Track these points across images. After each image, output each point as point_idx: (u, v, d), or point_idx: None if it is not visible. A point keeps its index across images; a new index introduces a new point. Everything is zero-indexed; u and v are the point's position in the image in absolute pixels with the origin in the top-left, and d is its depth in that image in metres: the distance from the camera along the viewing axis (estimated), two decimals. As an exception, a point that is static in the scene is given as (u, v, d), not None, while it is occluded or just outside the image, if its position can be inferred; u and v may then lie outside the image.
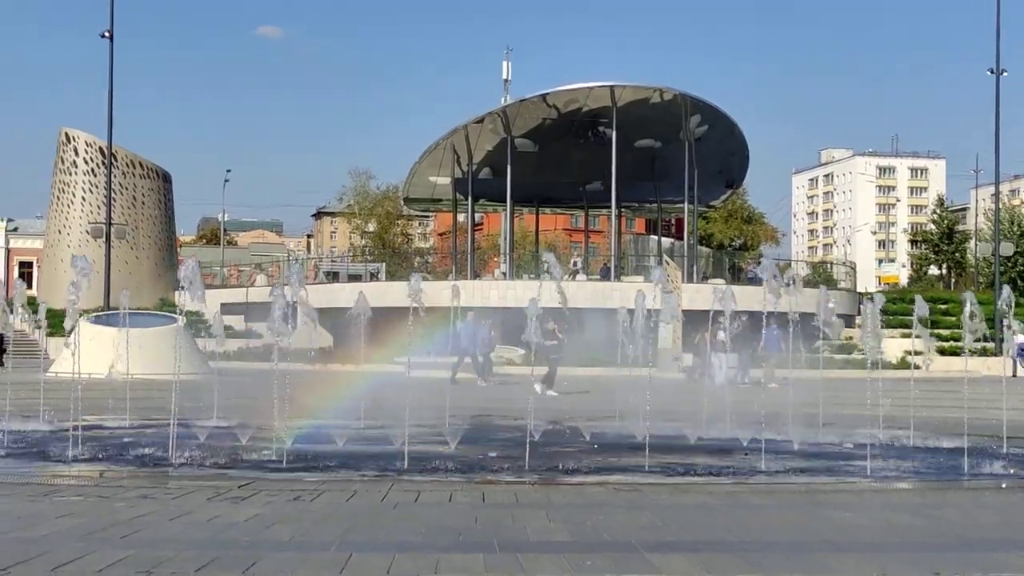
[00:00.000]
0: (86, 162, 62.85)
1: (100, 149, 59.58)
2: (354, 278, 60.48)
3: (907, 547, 7.78)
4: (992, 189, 62.28)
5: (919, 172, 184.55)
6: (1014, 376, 43.48)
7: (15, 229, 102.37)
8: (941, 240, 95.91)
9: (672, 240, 69.66)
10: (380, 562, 6.78)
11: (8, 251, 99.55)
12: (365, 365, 45.10)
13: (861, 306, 57.60)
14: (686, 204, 54.44)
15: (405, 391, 14.50)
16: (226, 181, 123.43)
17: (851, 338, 49.94)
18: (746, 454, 13.41)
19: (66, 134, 64.07)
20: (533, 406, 16.07)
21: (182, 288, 14.94)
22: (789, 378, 17.31)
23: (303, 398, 16.03)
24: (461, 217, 64.81)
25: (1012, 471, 12.42)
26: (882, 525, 8.57)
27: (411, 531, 8.04)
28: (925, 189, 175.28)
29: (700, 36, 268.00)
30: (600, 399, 21.64)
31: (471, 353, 34.06)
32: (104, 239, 50.08)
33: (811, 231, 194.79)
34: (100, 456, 13.16)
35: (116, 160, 57.10)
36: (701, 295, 48.43)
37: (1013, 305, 16.09)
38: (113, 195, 54.40)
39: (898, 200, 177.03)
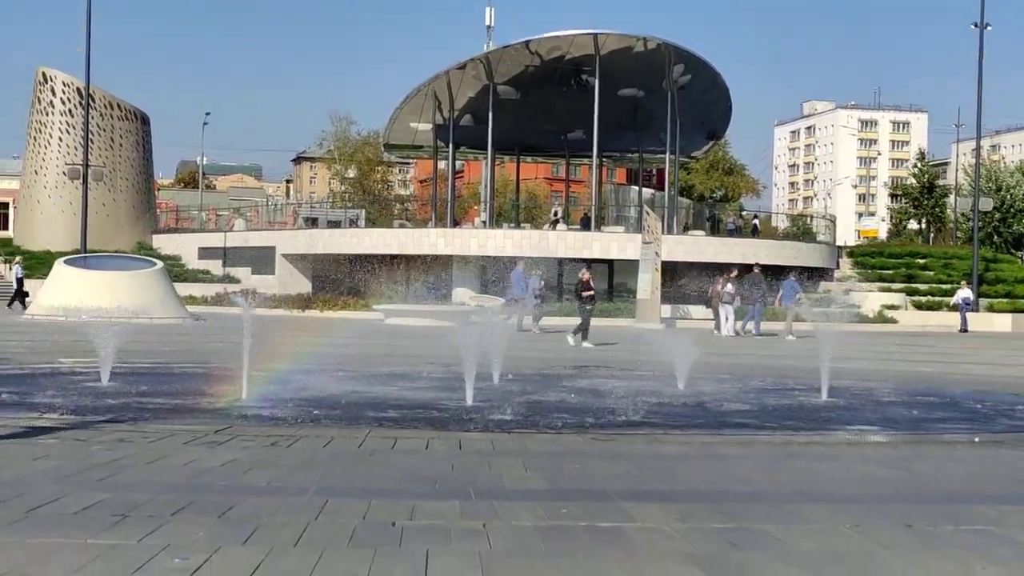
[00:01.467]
0: (63, 102, 62.14)
1: (78, 89, 58.86)
2: (333, 224, 60.24)
3: (880, 499, 7.84)
4: (973, 144, 62.42)
5: (901, 126, 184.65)
6: (963, 331, 43.73)
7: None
8: (921, 194, 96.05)
9: (653, 191, 69.54)
10: (356, 508, 6.80)
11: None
12: (342, 312, 45.10)
13: (840, 260, 57.85)
14: (667, 155, 54.31)
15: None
16: (205, 124, 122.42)
17: (829, 291, 50.23)
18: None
19: (43, 74, 63.29)
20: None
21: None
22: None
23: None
24: (442, 164, 64.50)
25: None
26: (856, 477, 8.63)
27: (387, 478, 8.06)
28: (907, 143, 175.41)
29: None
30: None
31: (521, 299, 33.85)
32: (81, 181, 49.69)
33: (792, 183, 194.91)
34: (77, 400, 13.13)
35: (94, 101, 56.50)
36: (682, 246, 48.53)
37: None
38: (91, 136, 53.88)
39: (879, 154, 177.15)
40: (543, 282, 37.68)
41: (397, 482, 7.88)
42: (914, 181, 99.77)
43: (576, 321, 28.38)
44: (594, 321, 33.96)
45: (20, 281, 43.54)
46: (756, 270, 37.60)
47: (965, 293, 47.01)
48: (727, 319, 35.29)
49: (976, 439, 11.22)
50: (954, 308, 46.94)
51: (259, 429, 10.80)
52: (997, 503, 7.70)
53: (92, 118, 54.73)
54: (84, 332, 18.30)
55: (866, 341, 26.27)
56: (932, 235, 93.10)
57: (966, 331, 43.44)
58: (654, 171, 76.30)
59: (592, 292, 29.26)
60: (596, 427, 11.48)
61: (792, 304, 35.42)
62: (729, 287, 35.59)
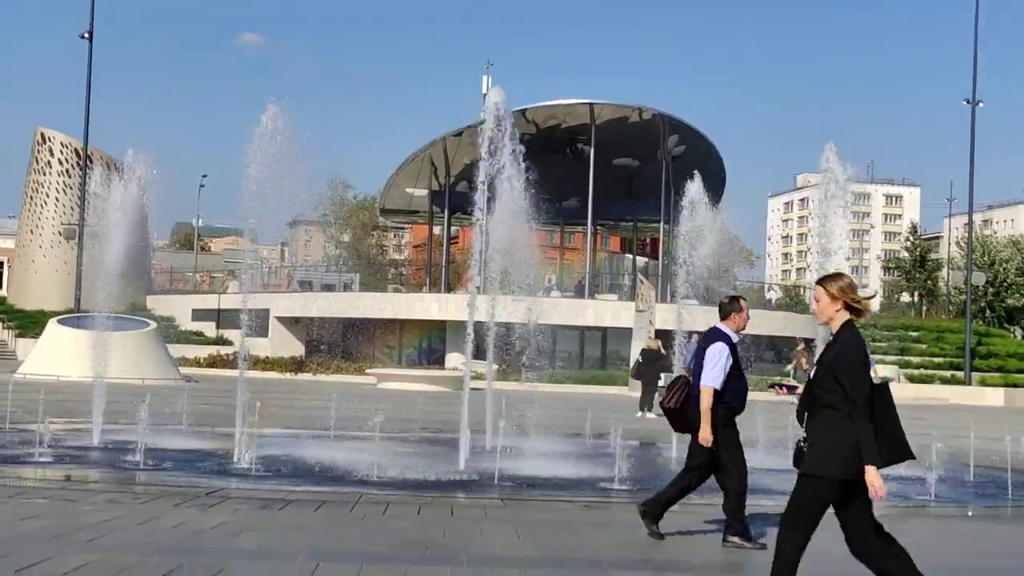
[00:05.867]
0: (61, 163, 62.37)
1: (76, 150, 59.12)
2: (328, 288, 60.28)
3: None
4: (965, 218, 62.83)
5: (894, 199, 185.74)
6: None
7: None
8: (913, 267, 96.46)
9: (647, 259, 69.79)
10: (347, 572, 6.76)
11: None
12: (335, 375, 44.89)
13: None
14: (662, 224, 54.57)
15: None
16: (201, 187, 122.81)
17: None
18: None
19: (42, 134, 63.59)
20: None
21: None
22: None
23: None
24: (437, 230, 64.77)
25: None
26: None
27: (379, 543, 8.01)
28: (899, 216, 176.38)
29: (679, 60, 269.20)
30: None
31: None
32: (76, 241, 49.78)
33: (785, 254, 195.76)
34: (67, 459, 13.06)
35: (92, 161, 56.83)
36: (675, 315, 48.53)
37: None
38: (87, 197, 54.12)
39: (872, 227, 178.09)
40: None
41: (389, 547, 7.84)
42: (906, 254, 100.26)
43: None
44: (587, 388, 33.90)
45: None
46: (801, 346, 39.14)
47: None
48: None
49: (969, 513, 11.19)
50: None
51: (250, 491, 10.75)
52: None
53: (89, 178, 55.02)
54: (76, 392, 18.26)
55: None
56: (924, 308, 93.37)
57: None
58: (648, 240, 76.62)
59: (663, 360, 28.52)
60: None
61: None
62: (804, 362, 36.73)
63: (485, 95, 75.23)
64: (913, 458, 5.93)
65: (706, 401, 8.40)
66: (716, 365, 8.45)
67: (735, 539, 8.38)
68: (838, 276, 5.92)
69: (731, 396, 8.53)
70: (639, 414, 26.19)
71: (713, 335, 8.72)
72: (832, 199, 17.86)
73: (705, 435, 8.35)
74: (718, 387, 8.41)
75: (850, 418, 5.56)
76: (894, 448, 5.75)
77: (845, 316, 5.78)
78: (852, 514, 5.71)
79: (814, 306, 5.95)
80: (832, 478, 5.57)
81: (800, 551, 5.66)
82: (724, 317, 8.86)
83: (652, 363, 28.40)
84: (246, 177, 14.91)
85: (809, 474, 5.61)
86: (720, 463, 8.51)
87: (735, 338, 8.74)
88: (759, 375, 42.23)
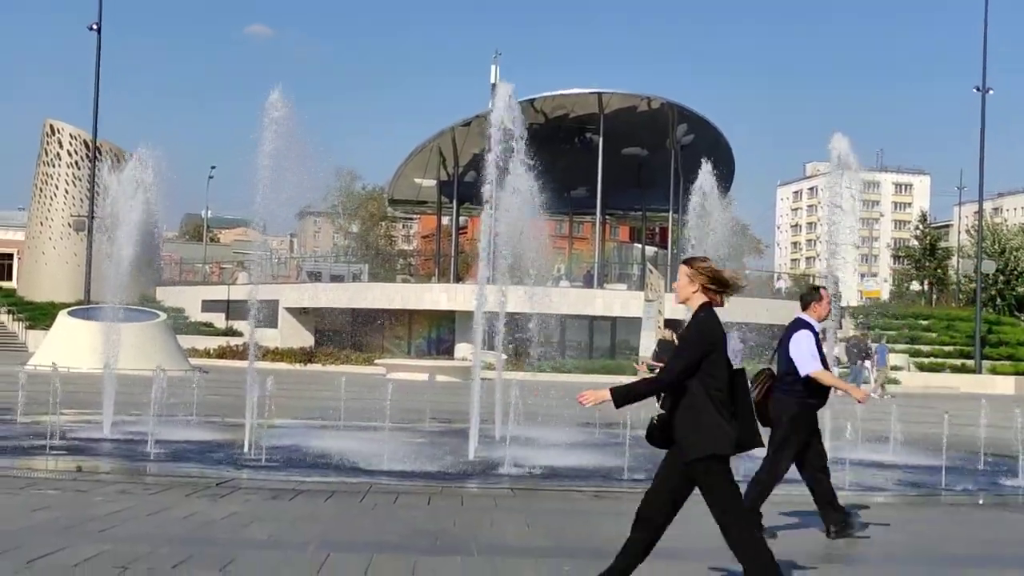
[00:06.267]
0: (70, 154, 62.45)
1: (85, 142, 59.15)
2: (336, 279, 60.30)
3: (886, 559, 7.79)
4: (975, 207, 62.67)
5: (903, 187, 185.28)
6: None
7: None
8: (923, 256, 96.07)
9: (656, 249, 69.68)
10: (358, 562, 6.76)
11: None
12: (344, 366, 44.95)
13: (843, 320, 57.77)
14: (671, 213, 54.47)
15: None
16: (210, 178, 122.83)
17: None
18: None
19: (51, 126, 63.66)
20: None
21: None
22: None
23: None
24: (446, 220, 64.71)
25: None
26: (860, 539, 8.57)
27: (389, 532, 8.01)
28: (909, 204, 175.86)
29: (687, 49, 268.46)
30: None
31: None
32: (86, 232, 49.85)
33: (795, 243, 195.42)
34: (78, 450, 13.09)
35: (100, 153, 56.85)
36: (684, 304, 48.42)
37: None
38: (96, 188, 54.19)
39: (882, 215, 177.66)
40: (743, 342, 39.60)
41: (399, 537, 7.84)
42: (916, 243, 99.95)
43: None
44: (597, 378, 33.70)
45: None
46: (860, 334, 40.47)
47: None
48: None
49: (980, 501, 11.16)
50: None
51: (261, 482, 10.76)
52: (1001, 567, 7.66)
53: (98, 170, 55.08)
54: (87, 383, 18.30)
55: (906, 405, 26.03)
56: (934, 297, 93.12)
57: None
58: (657, 229, 76.51)
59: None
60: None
61: (883, 366, 39.44)
62: (836, 350, 38.26)
63: (494, 85, 75.18)
64: (762, 446, 6.01)
65: (827, 378, 8.42)
66: (808, 351, 8.39)
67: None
68: (700, 259, 6.02)
69: (808, 389, 8.43)
70: (658, 403, 26.04)
71: (796, 325, 8.64)
72: (841, 189, 17.76)
73: (858, 394, 8.62)
74: (821, 367, 8.37)
75: (708, 397, 5.64)
76: (746, 434, 5.81)
77: (702, 299, 5.87)
78: (670, 484, 5.78)
79: (674, 285, 6.02)
80: (718, 453, 5.63)
81: (759, 524, 5.68)
82: (805, 307, 8.81)
83: (668, 353, 28.50)
84: (255, 167, 14.90)
85: (697, 459, 5.66)
86: (773, 449, 8.34)
87: (817, 327, 8.70)
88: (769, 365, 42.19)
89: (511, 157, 15.54)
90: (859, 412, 14.46)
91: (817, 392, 8.48)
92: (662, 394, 5.84)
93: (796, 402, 8.35)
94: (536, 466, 12.62)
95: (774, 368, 8.65)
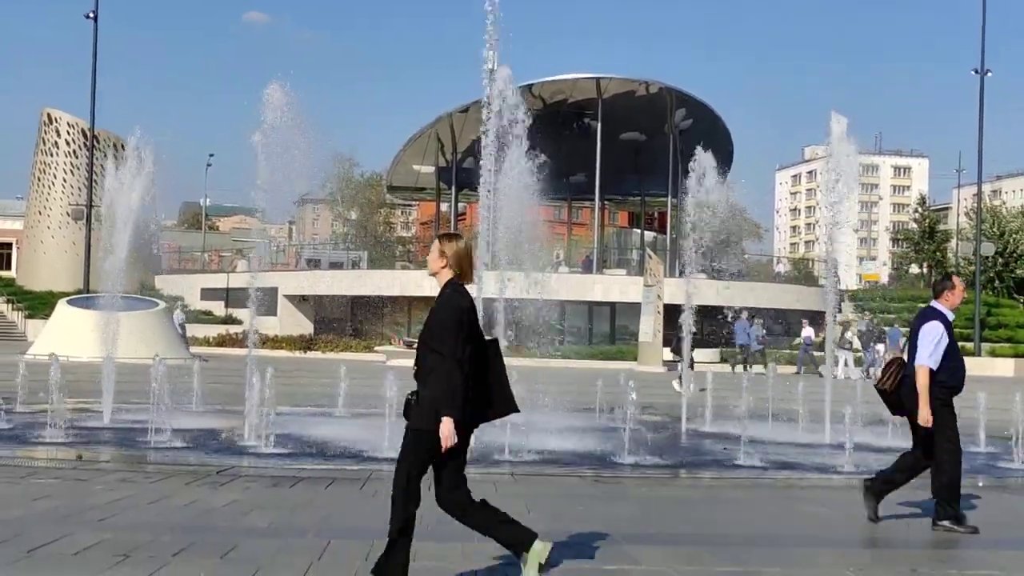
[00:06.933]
0: (68, 143, 62.35)
1: (82, 130, 59.06)
2: (335, 266, 60.27)
3: (885, 543, 7.80)
4: (974, 189, 62.64)
5: (902, 171, 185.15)
6: (797, 373, 36.98)
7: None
8: (922, 239, 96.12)
9: (655, 234, 69.62)
10: (358, 549, 6.77)
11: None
12: (344, 353, 44.95)
13: (842, 304, 57.76)
14: (669, 198, 54.41)
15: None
16: (208, 166, 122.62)
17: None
18: None
19: (48, 115, 63.55)
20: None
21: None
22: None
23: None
24: (444, 206, 64.65)
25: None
26: (859, 521, 8.58)
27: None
28: (908, 188, 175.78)
29: (685, 32, 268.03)
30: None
31: (746, 347, 37.88)
32: (84, 221, 49.81)
33: (793, 227, 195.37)
34: (78, 439, 13.09)
35: (98, 142, 56.74)
36: (683, 289, 48.45)
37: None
38: (95, 177, 54.13)
39: (880, 198, 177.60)
40: (764, 330, 40.22)
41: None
42: (915, 226, 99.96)
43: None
44: (596, 364, 33.73)
45: (183, 327, 42.49)
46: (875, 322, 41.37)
47: (807, 332, 43.37)
48: (846, 364, 37.25)
49: (980, 483, 11.17)
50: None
51: (261, 469, 10.77)
52: (1001, 548, 7.67)
53: (96, 159, 54.99)
54: (87, 372, 18.30)
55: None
56: (933, 279, 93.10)
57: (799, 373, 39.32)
58: (656, 214, 76.48)
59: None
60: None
61: (895, 348, 38.48)
62: (848, 334, 38.59)
63: (491, 70, 75.08)
64: (518, 411, 6.12)
65: (922, 380, 8.15)
66: (931, 343, 8.23)
67: (946, 523, 8.11)
68: (453, 237, 6.09)
69: (947, 375, 8.28)
70: (679, 388, 25.74)
71: (928, 314, 8.48)
72: (838, 173, 17.72)
73: (924, 416, 8.08)
74: (933, 366, 8.18)
75: (448, 373, 5.69)
76: (501, 402, 5.98)
77: (450, 275, 5.94)
78: (447, 468, 5.89)
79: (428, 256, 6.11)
80: (435, 431, 5.70)
81: (416, 499, 5.88)
82: (937, 295, 8.64)
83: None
84: (253, 155, 14.87)
85: (416, 428, 5.80)
86: (934, 444, 8.20)
87: (950, 316, 8.52)
88: (774, 349, 42.25)
89: (511, 142, 15.51)
90: (862, 396, 14.49)
91: (953, 374, 8.33)
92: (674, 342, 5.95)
93: (936, 389, 8.19)
94: (536, 451, 12.63)
95: (905, 356, 8.52)
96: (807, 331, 43.34)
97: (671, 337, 30.70)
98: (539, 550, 5.86)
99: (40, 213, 62.92)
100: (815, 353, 37.20)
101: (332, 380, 18.15)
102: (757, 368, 34.88)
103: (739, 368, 36.49)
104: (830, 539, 7.95)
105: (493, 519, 6.00)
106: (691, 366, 24.09)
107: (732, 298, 46.65)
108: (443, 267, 5.95)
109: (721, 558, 6.89)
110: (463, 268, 5.96)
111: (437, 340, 5.76)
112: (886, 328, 41.95)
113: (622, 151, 54.05)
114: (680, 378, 26.44)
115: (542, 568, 5.85)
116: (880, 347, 39.78)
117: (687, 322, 20.11)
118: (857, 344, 39.48)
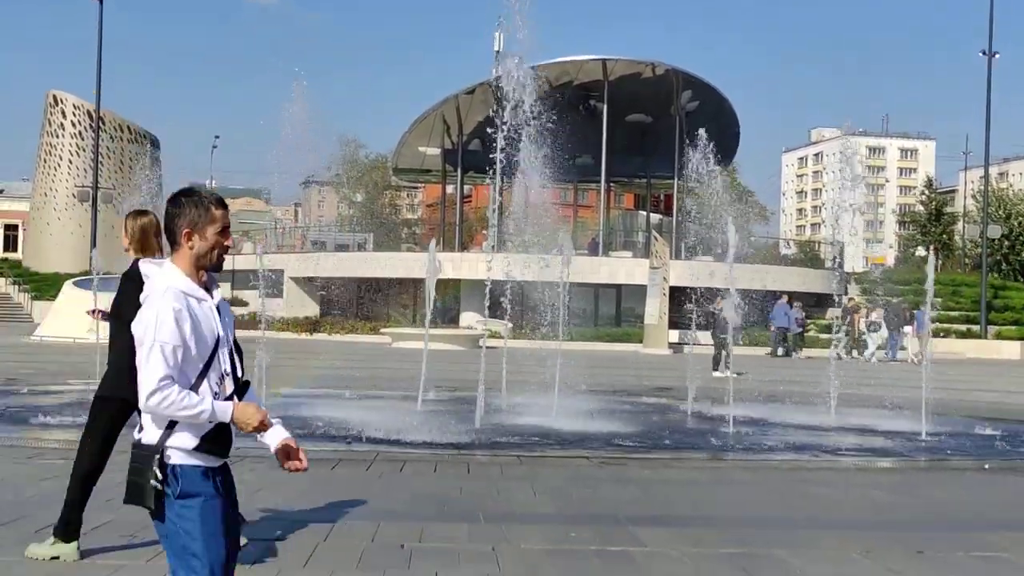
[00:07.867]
0: (74, 125, 62.36)
1: (88, 112, 59.07)
2: (341, 248, 60.22)
3: (891, 525, 7.80)
4: (981, 172, 62.43)
5: (909, 153, 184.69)
6: (774, 355, 37.47)
7: (1, 191, 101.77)
8: (929, 221, 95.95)
9: (661, 216, 69.48)
10: (365, 529, 6.78)
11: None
12: (350, 335, 45.02)
13: (848, 286, 57.70)
14: (675, 180, 54.29)
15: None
16: (214, 148, 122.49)
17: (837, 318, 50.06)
18: None
19: (54, 96, 63.56)
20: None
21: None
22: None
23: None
24: (450, 189, 64.54)
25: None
26: (866, 503, 8.58)
27: (396, 500, 8.02)
28: (914, 170, 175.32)
29: (692, 14, 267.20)
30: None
31: (784, 330, 38.12)
32: (91, 203, 49.83)
33: (800, 210, 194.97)
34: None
35: (104, 124, 56.68)
36: (689, 271, 48.44)
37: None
38: (100, 159, 54.07)
39: (887, 181, 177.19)
40: (803, 313, 40.62)
41: (406, 504, 7.85)
42: (922, 208, 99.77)
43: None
44: (601, 346, 33.76)
45: None
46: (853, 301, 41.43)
47: (794, 312, 42.09)
48: (875, 346, 38.58)
49: (987, 465, 11.16)
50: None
51: (267, 450, 10.76)
52: (1007, 530, 7.66)
53: (102, 141, 54.95)
54: (93, 354, 18.29)
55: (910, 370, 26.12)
56: (940, 262, 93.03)
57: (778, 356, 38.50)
58: (662, 196, 76.35)
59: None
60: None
61: (923, 331, 38.26)
62: (874, 316, 39.66)
63: (498, 52, 74.88)
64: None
65: None
66: None
67: None
68: (140, 214, 6.24)
69: None
70: (715, 373, 25.49)
71: None
72: (845, 161, 17.72)
73: None
74: None
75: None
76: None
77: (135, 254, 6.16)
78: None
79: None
80: (117, 398, 6.12)
81: (99, 460, 6.30)
82: None
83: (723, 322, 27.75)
84: (260, 137, 14.87)
85: (99, 395, 6.23)
86: None
87: None
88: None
89: (520, 125, 15.50)
90: (883, 378, 14.48)
91: None
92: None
93: None
94: (542, 433, 12.63)
95: None
96: (794, 311, 42.42)
97: (707, 321, 29.92)
98: (68, 551, 6.06)
99: (46, 195, 62.95)
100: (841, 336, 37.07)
101: (339, 361, 18.18)
102: (804, 352, 36.30)
103: (780, 351, 37.12)
104: (834, 520, 7.94)
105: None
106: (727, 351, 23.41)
107: (739, 280, 46.46)
108: (131, 244, 6.20)
109: (728, 539, 6.89)
110: (144, 244, 6.14)
111: (125, 315, 5.88)
112: (913, 310, 42.39)
113: (628, 133, 53.94)
114: (721, 364, 26.17)
115: (54, 559, 5.98)
116: (908, 329, 39.88)
117: (729, 306, 19.53)
118: (883, 328, 39.83)
